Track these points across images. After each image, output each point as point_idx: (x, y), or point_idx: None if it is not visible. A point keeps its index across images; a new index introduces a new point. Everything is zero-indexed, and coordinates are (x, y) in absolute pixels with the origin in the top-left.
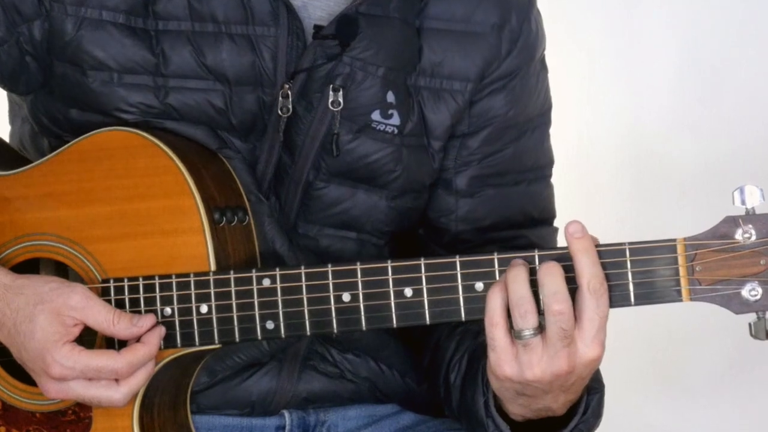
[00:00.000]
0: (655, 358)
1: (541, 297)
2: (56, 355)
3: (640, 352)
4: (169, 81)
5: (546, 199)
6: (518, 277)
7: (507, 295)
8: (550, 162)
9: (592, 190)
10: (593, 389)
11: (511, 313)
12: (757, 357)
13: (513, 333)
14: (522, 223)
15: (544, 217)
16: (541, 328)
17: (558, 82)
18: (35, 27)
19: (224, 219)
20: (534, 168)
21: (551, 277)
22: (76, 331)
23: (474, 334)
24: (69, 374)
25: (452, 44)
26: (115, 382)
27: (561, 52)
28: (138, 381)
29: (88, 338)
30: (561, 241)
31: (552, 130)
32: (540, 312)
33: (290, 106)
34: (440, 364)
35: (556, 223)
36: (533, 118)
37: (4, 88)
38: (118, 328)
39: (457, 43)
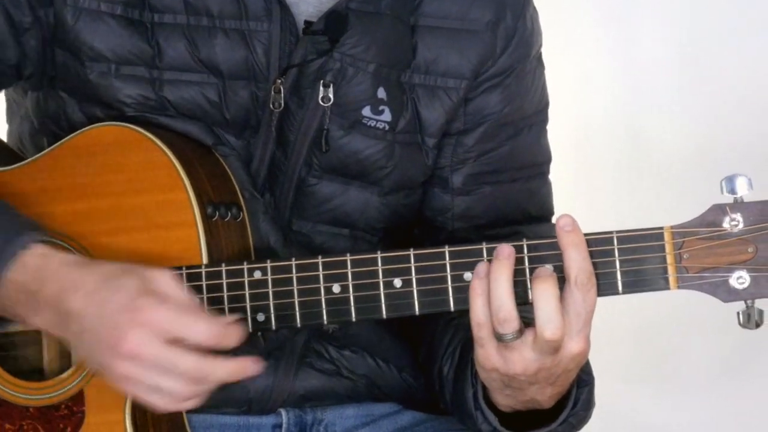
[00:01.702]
0: (647, 352)
1: (534, 316)
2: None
3: (633, 347)
4: (164, 73)
5: (544, 196)
6: (500, 278)
7: (489, 296)
8: (547, 159)
9: (581, 179)
10: (583, 381)
11: (491, 316)
12: (750, 351)
13: (494, 334)
14: (519, 220)
15: (542, 214)
16: (522, 330)
17: (553, 76)
18: (50, 13)
19: (217, 214)
20: (531, 165)
21: (546, 300)
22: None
23: (467, 326)
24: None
25: (447, 42)
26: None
27: (556, 45)
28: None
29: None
30: None
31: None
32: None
33: (282, 101)
34: (435, 358)
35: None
36: (530, 116)
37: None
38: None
39: (451, 40)
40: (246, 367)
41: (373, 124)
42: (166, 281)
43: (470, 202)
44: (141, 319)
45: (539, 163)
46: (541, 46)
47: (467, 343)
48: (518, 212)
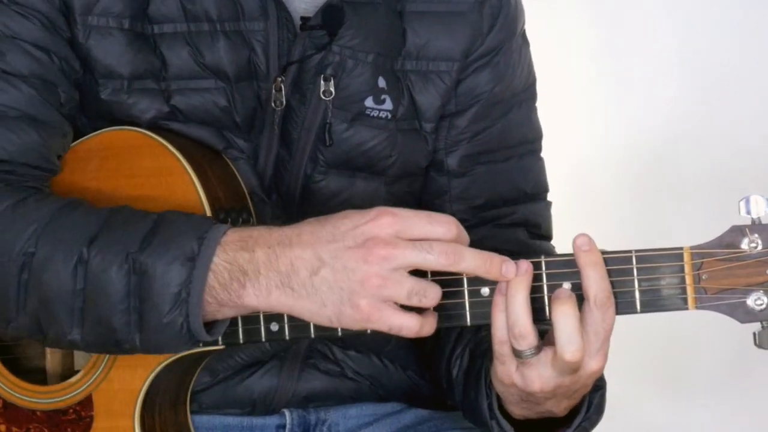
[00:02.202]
0: (656, 360)
1: (554, 337)
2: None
3: (642, 354)
4: (171, 84)
5: (537, 172)
6: (517, 294)
7: (506, 311)
8: (538, 136)
9: (596, 198)
10: (595, 386)
11: (508, 331)
12: (757, 359)
13: (513, 350)
14: (516, 198)
15: (537, 191)
16: (540, 347)
17: (559, 86)
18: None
19: (229, 220)
20: (523, 143)
21: (566, 322)
22: None
23: (474, 328)
24: (397, 248)
25: (435, 25)
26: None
27: (561, 58)
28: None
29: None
30: (555, 229)
31: (555, 138)
32: (542, 319)
33: (283, 99)
34: (441, 357)
35: (554, 207)
36: (518, 93)
37: None
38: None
39: (439, 23)
40: (498, 261)
41: (376, 114)
42: None
43: (466, 184)
44: (383, 222)
45: (530, 140)
46: (524, 23)
47: (476, 347)
48: (513, 191)
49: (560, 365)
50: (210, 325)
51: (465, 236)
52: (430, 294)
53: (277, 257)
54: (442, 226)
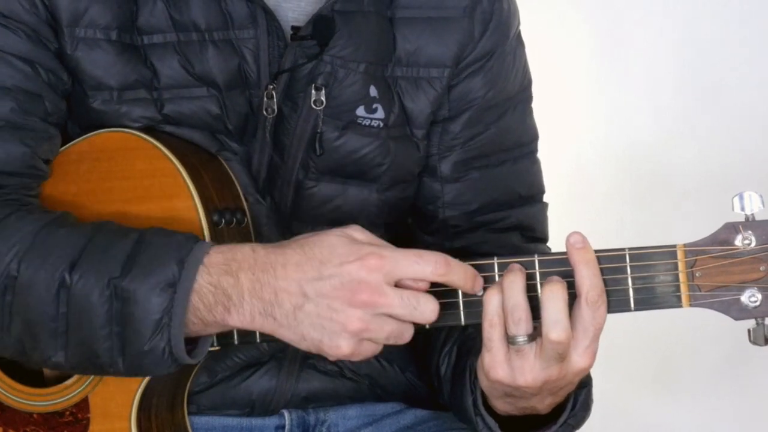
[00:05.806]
0: (654, 359)
1: (541, 318)
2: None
3: (639, 354)
4: (164, 93)
5: (533, 175)
6: (514, 283)
7: (504, 298)
8: (534, 137)
9: (592, 196)
10: (581, 383)
11: (505, 318)
12: (755, 358)
13: (507, 337)
14: (510, 202)
15: (532, 194)
16: (534, 336)
17: (557, 87)
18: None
19: (223, 221)
20: (518, 145)
21: (554, 302)
22: None
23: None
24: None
25: (425, 31)
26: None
27: (559, 56)
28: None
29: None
30: (552, 229)
31: (551, 137)
32: (536, 317)
33: (275, 107)
34: (431, 355)
35: (551, 207)
36: (513, 96)
37: None
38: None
39: (430, 29)
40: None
41: (368, 123)
42: (361, 230)
43: (460, 189)
44: (370, 264)
45: (526, 142)
46: (519, 24)
47: (464, 344)
48: (508, 195)
49: (546, 350)
50: (193, 343)
51: (457, 269)
52: (407, 335)
53: (261, 286)
54: (430, 265)
